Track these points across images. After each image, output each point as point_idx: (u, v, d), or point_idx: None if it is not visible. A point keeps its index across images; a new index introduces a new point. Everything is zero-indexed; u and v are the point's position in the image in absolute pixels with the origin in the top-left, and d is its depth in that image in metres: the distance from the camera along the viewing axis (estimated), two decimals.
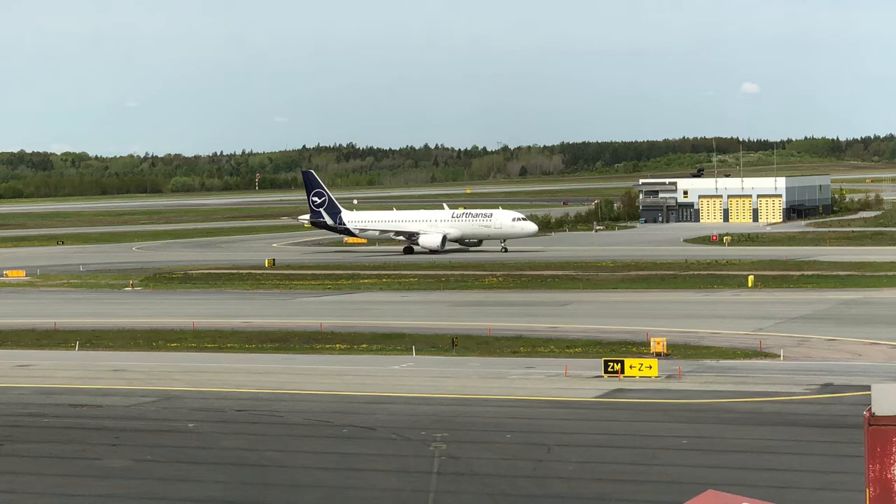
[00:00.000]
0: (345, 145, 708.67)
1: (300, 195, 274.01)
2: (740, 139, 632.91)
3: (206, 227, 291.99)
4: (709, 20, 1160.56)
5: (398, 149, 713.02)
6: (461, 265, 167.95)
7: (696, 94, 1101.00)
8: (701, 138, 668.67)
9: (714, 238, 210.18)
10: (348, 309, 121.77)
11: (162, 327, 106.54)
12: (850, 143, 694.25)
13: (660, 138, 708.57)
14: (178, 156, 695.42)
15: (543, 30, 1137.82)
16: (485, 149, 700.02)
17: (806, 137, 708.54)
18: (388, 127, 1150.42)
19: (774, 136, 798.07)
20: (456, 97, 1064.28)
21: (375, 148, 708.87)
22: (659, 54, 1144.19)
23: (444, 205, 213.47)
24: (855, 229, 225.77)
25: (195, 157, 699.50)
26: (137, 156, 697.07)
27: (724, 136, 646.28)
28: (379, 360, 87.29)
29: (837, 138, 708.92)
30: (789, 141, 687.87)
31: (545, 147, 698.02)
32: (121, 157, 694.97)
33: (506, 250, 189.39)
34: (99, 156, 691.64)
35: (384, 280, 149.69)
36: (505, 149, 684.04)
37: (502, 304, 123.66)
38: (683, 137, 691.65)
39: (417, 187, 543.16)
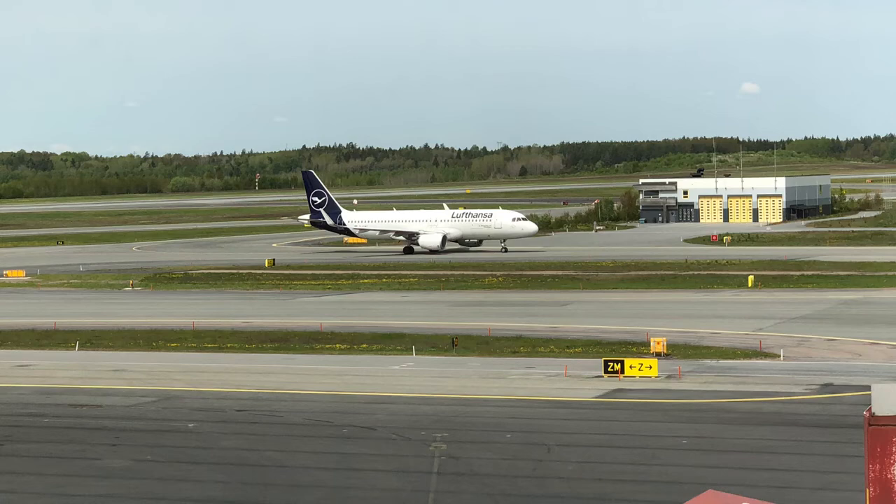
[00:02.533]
0: (345, 145, 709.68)
1: (300, 195, 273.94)
2: (740, 139, 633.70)
3: (206, 227, 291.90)
4: (709, 20, 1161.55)
5: (398, 149, 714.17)
6: (461, 265, 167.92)
7: (696, 94, 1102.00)
8: (701, 138, 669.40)
9: (714, 238, 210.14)
10: (348, 309, 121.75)
11: (162, 327, 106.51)
12: (850, 143, 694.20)
13: (660, 138, 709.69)
14: (178, 156, 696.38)
15: (543, 30, 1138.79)
16: (485, 149, 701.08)
17: (806, 137, 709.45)
18: (388, 127, 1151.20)
19: (774, 136, 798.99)
20: (456, 97, 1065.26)
21: (375, 148, 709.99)
22: (659, 54, 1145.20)
23: (444, 205, 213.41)
24: (855, 229, 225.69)
25: (195, 157, 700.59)
26: (137, 156, 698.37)
27: (724, 136, 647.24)
28: (379, 360, 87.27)
29: (837, 138, 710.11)
30: (789, 141, 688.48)
31: (545, 147, 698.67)
32: (121, 157, 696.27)
33: (506, 250, 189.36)
34: (99, 156, 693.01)
35: (384, 280, 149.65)
36: (505, 149, 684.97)
37: (502, 304, 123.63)
38: (683, 137, 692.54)
39: (417, 187, 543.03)
